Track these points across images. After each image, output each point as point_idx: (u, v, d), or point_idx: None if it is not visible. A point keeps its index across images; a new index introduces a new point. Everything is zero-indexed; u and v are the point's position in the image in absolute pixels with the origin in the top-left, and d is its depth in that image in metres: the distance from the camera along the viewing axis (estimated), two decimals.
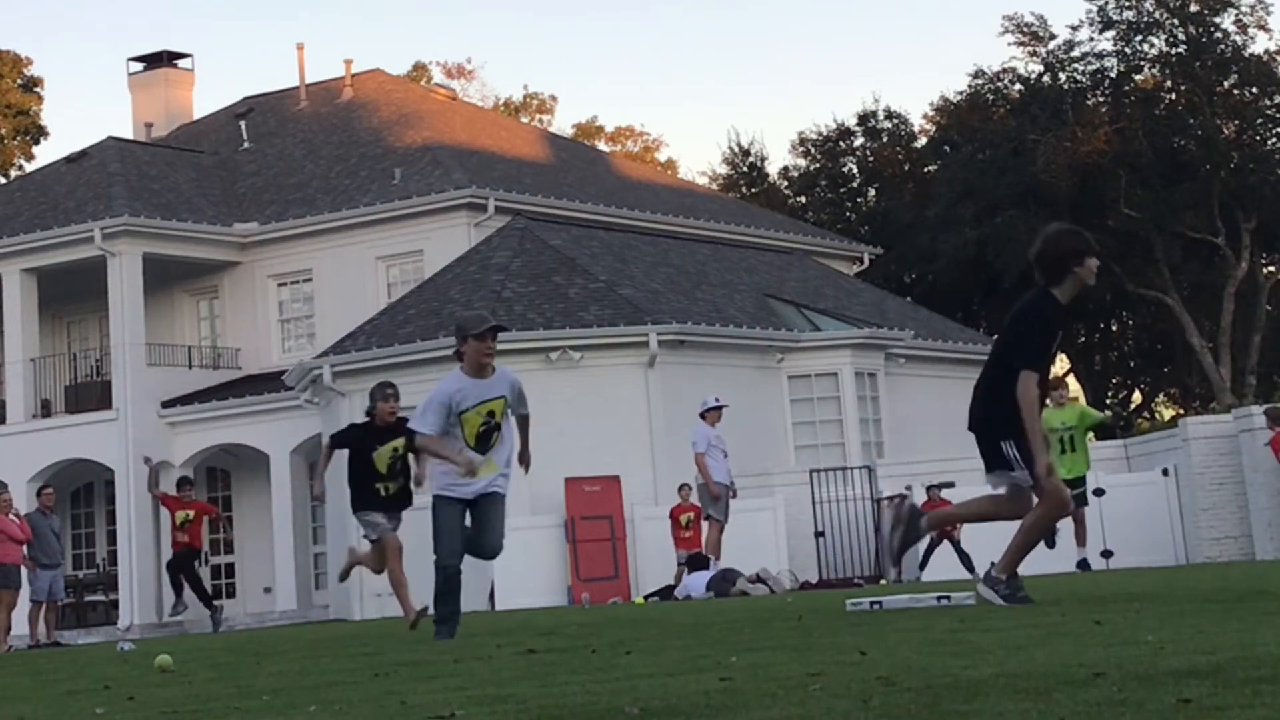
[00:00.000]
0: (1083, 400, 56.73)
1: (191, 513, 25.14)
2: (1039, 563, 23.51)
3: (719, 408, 23.09)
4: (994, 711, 4.59)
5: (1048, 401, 20.27)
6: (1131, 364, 55.10)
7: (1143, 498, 26.10)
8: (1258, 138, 46.64)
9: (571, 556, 27.29)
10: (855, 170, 54.93)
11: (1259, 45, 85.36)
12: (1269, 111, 46.56)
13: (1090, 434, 20.95)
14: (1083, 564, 21.08)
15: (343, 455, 14.32)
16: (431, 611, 11.18)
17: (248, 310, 37.30)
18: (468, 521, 10.83)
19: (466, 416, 10.61)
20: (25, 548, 23.17)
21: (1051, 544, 20.63)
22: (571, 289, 30.55)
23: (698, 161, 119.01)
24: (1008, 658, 6.07)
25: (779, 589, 23.86)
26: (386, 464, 13.54)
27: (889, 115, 54.16)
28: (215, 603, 26.76)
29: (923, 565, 25.72)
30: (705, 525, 23.64)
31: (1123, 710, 4.47)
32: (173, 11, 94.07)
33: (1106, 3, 46.13)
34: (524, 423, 10.98)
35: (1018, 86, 48.13)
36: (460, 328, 10.67)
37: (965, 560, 24.85)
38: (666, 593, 25.23)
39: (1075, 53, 46.96)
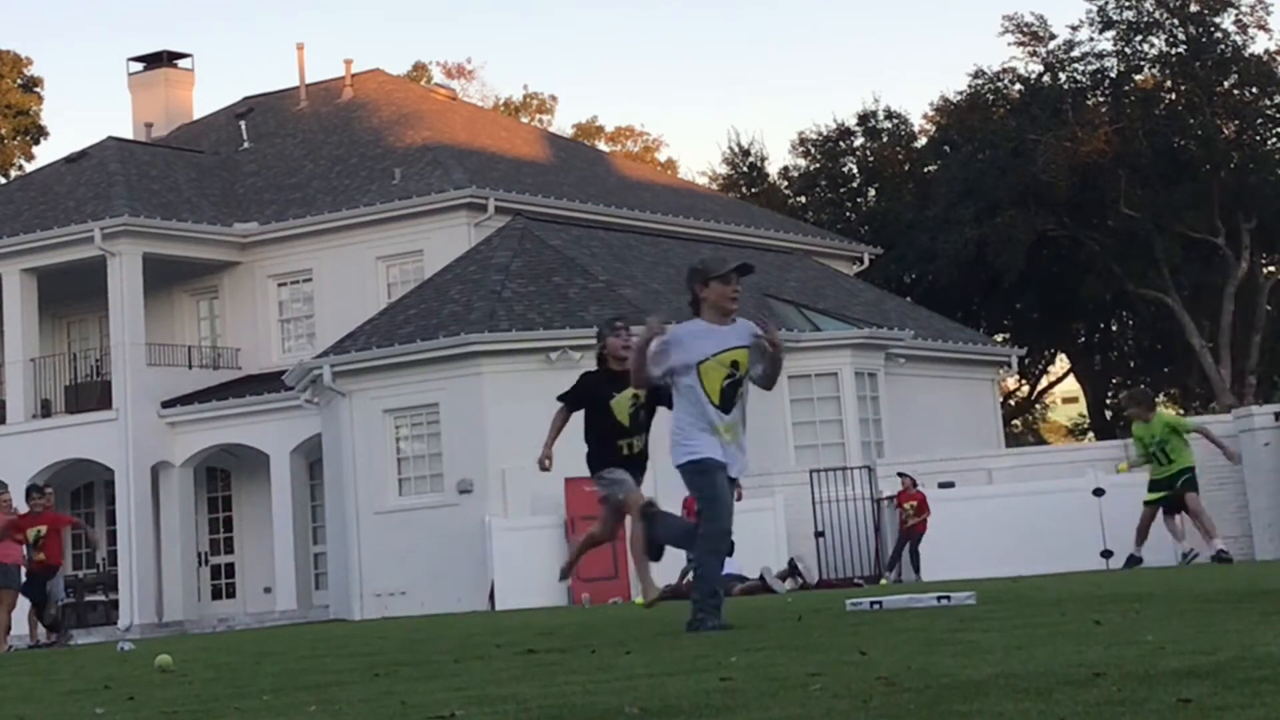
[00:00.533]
0: (1083, 403, 56.83)
1: (44, 527, 22.64)
2: (1048, 562, 23.55)
3: None
4: (994, 711, 4.59)
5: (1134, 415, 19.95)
6: (1131, 364, 55.06)
7: (1142, 498, 26.06)
8: (1258, 138, 46.62)
9: None
10: (855, 170, 54.87)
11: (1259, 45, 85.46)
12: (1269, 111, 46.54)
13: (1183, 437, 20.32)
14: (1221, 555, 19.97)
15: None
16: (687, 595, 10.16)
17: (248, 310, 37.29)
18: None
19: (707, 367, 9.30)
20: (25, 548, 23.13)
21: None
22: (571, 289, 30.54)
23: (698, 161, 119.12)
24: (1008, 658, 6.07)
25: (810, 579, 24.02)
26: (627, 414, 11.03)
27: (889, 115, 54.13)
28: (67, 631, 23.64)
29: (890, 567, 25.75)
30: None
31: (1123, 710, 4.48)
32: (173, 11, 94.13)
33: (1106, 3, 46.10)
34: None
35: (1018, 86, 48.10)
36: (699, 271, 9.41)
37: (915, 562, 25.11)
38: (667, 592, 25.20)
39: (1075, 53, 46.94)
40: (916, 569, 25.08)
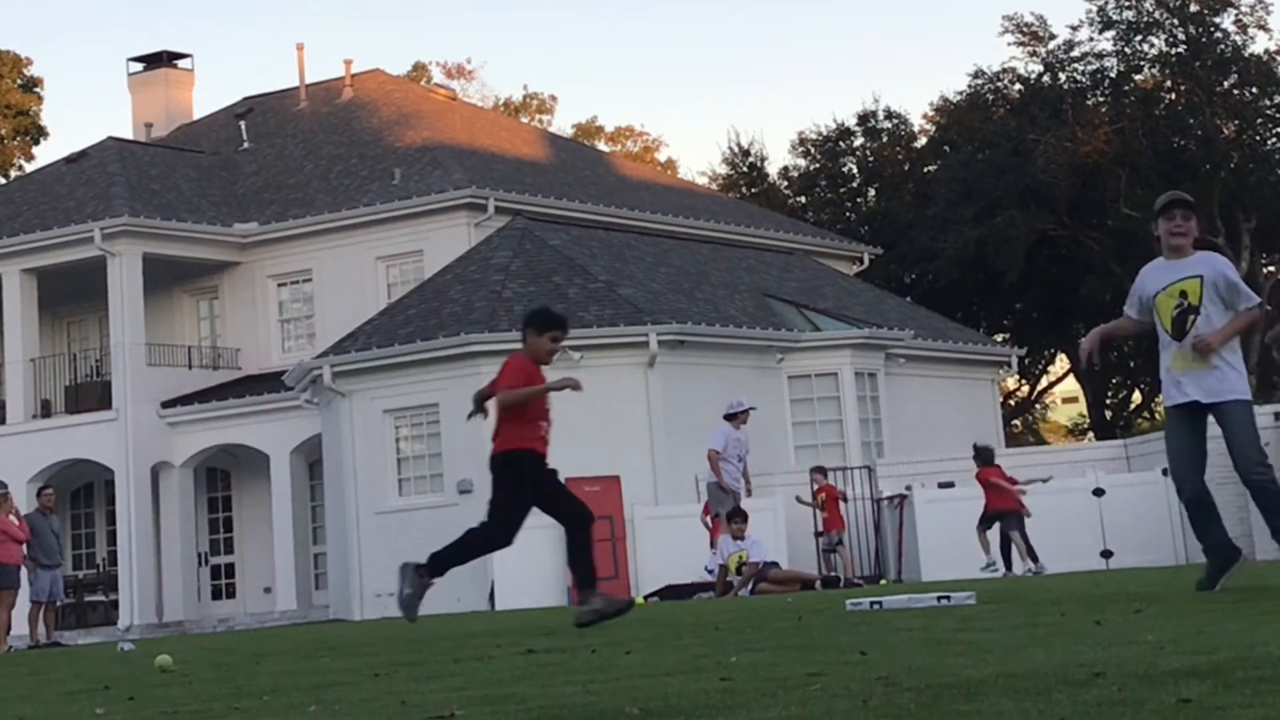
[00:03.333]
0: (1083, 403, 56.85)
1: None
2: (1048, 562, 23.54)
3: (745, 410, 22.91)
4: (994, 711, 4.59)
5: None
6: (1131, 364, 55.05)
7: (1142, 498, 26.10)
8: (1258, 138, 46.62)
9: None
10: (855, 170, 54.87)
11: (1259, 45, 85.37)
12: (1269, 111, 46.54)
13: None
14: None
15: None
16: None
17: (248, 310, 37.29)
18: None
19: (1159, 300, 9.59)
20: (25, 548, 23.15)
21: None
22: (571, 289, 30.55)
23: (698, 161, 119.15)
24: (1008, 658, 6.07)
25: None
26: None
27: (889, 115, 54.12)
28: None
29: (1008, 562, 23.95)
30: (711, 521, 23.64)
31: (1123, 710, 4.48)
32: (173, 11, 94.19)
33: (1106, 3, 46.10)
34: (1245, 316, 9.55)
35: (1018, 86, 48.11)
36: (1156, 212, 9.73)
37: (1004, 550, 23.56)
38: (667, 592, 25.26)
39: (1075, 53, 46.94)
40: (1034, 557, 23.70)
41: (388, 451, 30.08)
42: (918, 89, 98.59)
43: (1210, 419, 9.55)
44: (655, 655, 7.59)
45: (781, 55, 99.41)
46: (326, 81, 44.26)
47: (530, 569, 27.28)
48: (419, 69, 67.12)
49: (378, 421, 29.99)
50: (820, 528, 26.21)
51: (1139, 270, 10.01)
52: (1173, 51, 45.91)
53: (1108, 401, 54.97)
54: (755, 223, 41.53)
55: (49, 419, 36.42)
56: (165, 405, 35.35)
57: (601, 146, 63.43)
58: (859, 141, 54.42)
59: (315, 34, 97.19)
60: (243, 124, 42.78)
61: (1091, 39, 46.74)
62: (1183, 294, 9.50)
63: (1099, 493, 25.97)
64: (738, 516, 23.67)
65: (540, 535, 27.50)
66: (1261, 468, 9.37)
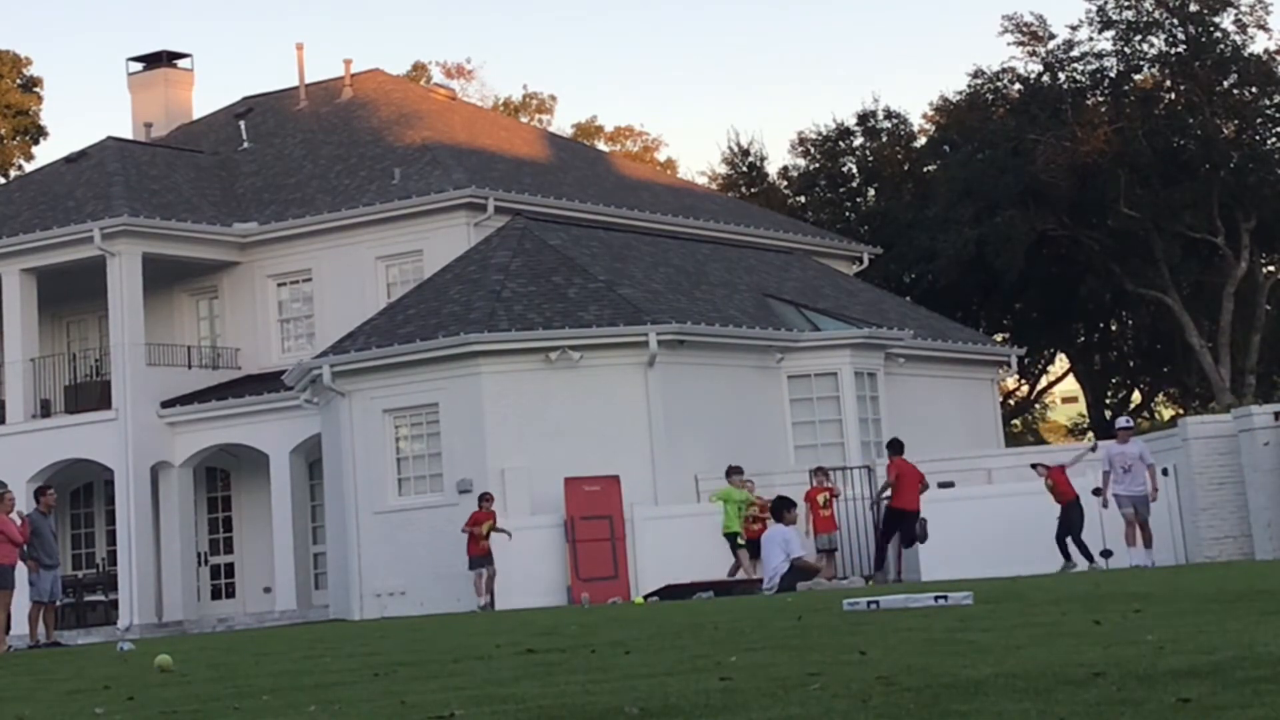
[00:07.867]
0: (1083, 402, 56.96)
1: None
2: (1048, 562, 23.56)
3: (1127, 428, 24.22)
4: (994, 711, 4.59)
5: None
6: (1131, 364, 55.06)
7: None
8: (1258, 138, 46.61)
9: (571, 556, 27.30)
10: (855, 170, 54.87)
11: (1259, 45, 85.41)
12: (1269, 111, 46.52)
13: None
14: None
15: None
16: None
17: (248, 310, 37.28)
18: None
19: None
20: (27, 548, 23.11)
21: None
22: (571, 289, 30.55)
23: (698, 161, 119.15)
24: (1008, 658, 6.08)
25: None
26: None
27: (889, 115, 54.12)
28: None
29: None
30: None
31: (1123, 710, 4.48)
32: (172, 11, 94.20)
33: (1106, 3, 46.10)
34: None
35: (1017, 86, 48.10)
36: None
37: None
38: (668, 592, 25.26)
39: (1075, 53, 46.93)
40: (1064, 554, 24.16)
41: (388, 451, 30.09)
42: (918, 89, 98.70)
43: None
44: (655, 655, 7.59)
45: (781, 55, 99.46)
46: (326, 81, 44.24)
47: (530, 569, 27.28)
48: (419, 69, 67.09)
49: (377, 421, 29.99)
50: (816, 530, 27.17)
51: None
52: (1172, 51, 45.91)
53: (1107, 401, 54.97)
54: (755, 222, 41.53)
55: (49, 419, 36.41)
56: (165, 405, 35.34)
57: (601, 146, 63.40)
58: (859, 141, 54.43)
59: (315, 34, 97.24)
60: (242, 124, 42.76)
61: (1091, 39, 46.77)
62: None
63: (1098, 493, 25.96)
64: (791, 505, 25.39)
65: (540, 535, 27.55)
66: None
